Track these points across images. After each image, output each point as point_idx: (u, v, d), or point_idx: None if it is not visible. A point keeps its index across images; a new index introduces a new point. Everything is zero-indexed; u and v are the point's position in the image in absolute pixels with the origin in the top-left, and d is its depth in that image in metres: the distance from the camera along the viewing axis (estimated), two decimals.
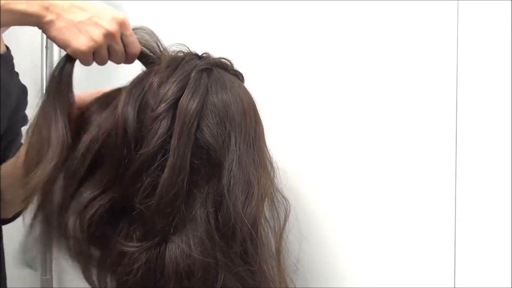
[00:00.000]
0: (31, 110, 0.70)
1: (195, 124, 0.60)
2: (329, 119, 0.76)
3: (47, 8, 0.64)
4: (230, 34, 0.86)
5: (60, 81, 0.66)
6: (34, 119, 0.67)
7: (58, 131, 0.63)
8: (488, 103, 0.63)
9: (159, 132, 0.59)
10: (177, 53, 0.68)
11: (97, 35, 0.65)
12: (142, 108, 0.61)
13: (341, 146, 0.75)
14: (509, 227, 0.61)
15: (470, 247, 0.64)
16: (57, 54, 1.21)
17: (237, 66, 0.71)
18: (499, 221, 0.62)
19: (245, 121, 0.63)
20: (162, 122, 0.59)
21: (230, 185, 0.60)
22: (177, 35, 0.73)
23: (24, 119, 0.89)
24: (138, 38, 0.69)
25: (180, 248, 0.59)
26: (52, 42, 0.67)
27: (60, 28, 0.65)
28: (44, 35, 1.16)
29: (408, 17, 0.69)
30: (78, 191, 0.63)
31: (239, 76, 0.70)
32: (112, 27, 0.66)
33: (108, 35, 0.66)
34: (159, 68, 0.64)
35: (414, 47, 0.69)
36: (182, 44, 0.69)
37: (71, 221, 0.63)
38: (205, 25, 0.91)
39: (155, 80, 0.63)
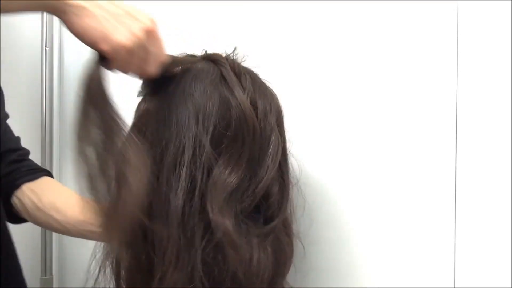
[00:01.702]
0: (29, 109, 0.68)
1: None
2: (330, 119, 0.76)
3: None
4: (230, 34, 0.87)
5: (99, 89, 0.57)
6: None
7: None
8: (488, 103, 0.63)
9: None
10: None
11: (138, 29, 0.56)
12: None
13: (341, 146, 0.75)
14: (509, 227, 0.61)
15: (470, 247, 0.64)
16: (57, 54, 1.21)
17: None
18: (499, 221, 0.62)
19: None
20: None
21: None
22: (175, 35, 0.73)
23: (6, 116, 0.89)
24: None
25: None
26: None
27: (95, 16, 0.53)
28: (45, 35, 1.18)
29: (408, 17, 0.69)
30: None
31: None
32: (150, 24, 0.57)
33: (148, 32, 0.57)
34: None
35: (414, 47, 0.69)
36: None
37: None
38: (204, 25, 0.91)
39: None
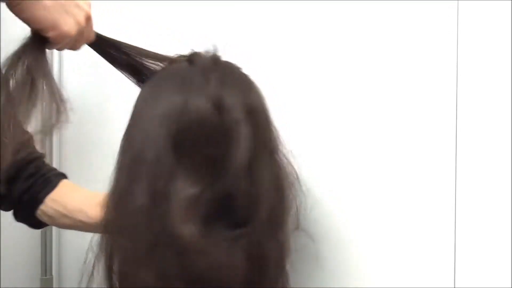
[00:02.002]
0: None
1: None
2: (331, 120, 0.76)
3: None
4: (226, 33, 0.86)
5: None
6: None
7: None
8: (488, 103, 0.63)
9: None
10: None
11: (81, 18, 0.60)
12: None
13: (342, 146, 0.75)
14: (509, 227, 0.61)
15: (470, 247, 0.64)
16: (56, 53, 1.21)
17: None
18: (499, 221, 0.62)
19: None
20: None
21: None
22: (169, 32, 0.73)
23: None
24: None
25: None
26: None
27: (47, 6, 0.56)
28: None
29: (408, 17, 0.69)
30: None
31: None
32: (89, 10, 0.62)
33: (88, 19, 0.62)
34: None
35: (414, 47, 0.69)
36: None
37: None
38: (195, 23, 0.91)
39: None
